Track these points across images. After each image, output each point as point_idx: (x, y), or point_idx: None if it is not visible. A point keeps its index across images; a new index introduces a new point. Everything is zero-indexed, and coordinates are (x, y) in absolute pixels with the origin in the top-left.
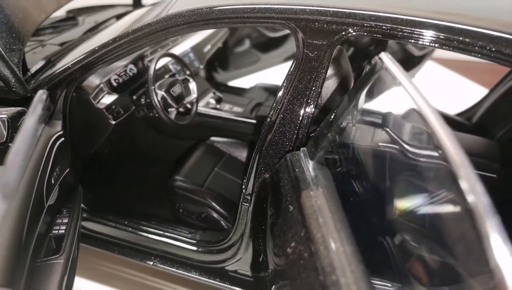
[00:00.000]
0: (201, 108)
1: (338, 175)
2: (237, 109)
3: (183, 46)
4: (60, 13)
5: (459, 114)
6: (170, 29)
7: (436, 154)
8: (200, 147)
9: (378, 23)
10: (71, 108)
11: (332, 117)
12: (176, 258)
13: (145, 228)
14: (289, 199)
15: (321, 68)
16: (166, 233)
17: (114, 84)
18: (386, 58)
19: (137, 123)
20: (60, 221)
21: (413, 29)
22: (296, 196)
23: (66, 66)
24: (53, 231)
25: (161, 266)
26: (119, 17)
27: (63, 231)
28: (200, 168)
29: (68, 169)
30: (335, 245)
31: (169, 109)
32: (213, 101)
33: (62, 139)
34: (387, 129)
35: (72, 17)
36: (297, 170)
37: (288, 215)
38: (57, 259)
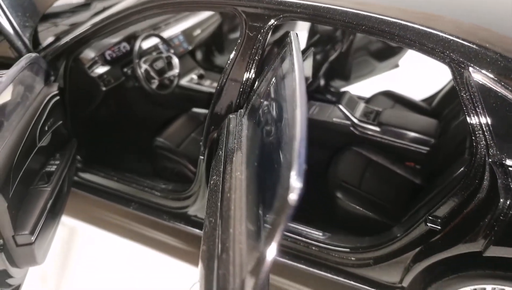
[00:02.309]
0: (185, 82)
1: (266, 130)
2: (216, 84)
3: (174, 29)
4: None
5: (423, 100)
6: (143, 12)
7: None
8: (182, 115)
9: (303, 10)
10: (70, 75)
11: (257, 83)
12: (150, 204)
13: (128, 178)
14: (221, 146)
15: (259, 46)
16: (144, 183)
17: (108, 57)
18: (291, 35)
19: (130, 92)
20: (53, 162)
21: (330, 15)
22: (225, 143)
23: (65, 41)
24: (46, 169)
25: (139, 210)
26: None
27: (54, 169)
28: (179, 132)
29: (61, 122)
30: (236, 174)
31: (152, 80)
32: (195, 77)
33: (57, 98)
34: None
35: (88, 3)
36: (231, 125)
37: (217, 158)
38: (45, 187)
